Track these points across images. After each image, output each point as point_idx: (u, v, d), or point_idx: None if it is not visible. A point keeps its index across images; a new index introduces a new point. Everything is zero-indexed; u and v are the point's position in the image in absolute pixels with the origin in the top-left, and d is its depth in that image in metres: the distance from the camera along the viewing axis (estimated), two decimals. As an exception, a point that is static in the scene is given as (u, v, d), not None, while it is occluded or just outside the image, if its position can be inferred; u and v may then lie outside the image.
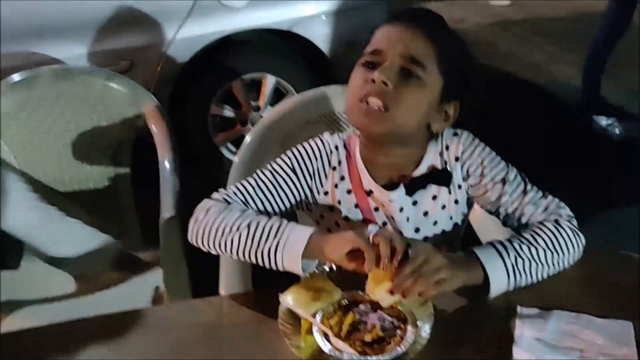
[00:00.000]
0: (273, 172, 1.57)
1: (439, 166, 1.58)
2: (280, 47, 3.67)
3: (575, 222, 1.51)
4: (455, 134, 1.60)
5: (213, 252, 1.50)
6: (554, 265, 1.45)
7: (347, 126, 2.00)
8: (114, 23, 3.24)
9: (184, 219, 1.57)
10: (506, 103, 4.30)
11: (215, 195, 1.54)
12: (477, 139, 1.60)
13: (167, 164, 2.19)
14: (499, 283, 1.39)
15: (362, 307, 1.36)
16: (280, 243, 1.39)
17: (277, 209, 1.56)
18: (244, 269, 1.80)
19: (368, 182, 1.58)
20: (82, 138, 2.30)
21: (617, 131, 4.22)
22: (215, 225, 1.45)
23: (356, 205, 1.60)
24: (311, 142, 1.62)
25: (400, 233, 1.57)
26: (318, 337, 1.29)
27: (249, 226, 1.43)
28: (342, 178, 1.60)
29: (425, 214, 1.60)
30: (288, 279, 1.43)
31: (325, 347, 1.27)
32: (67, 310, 2.01)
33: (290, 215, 1.58)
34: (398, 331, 1.30)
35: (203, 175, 3.60)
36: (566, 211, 1.53)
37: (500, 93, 4.36)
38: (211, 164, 3.75)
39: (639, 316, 1.36)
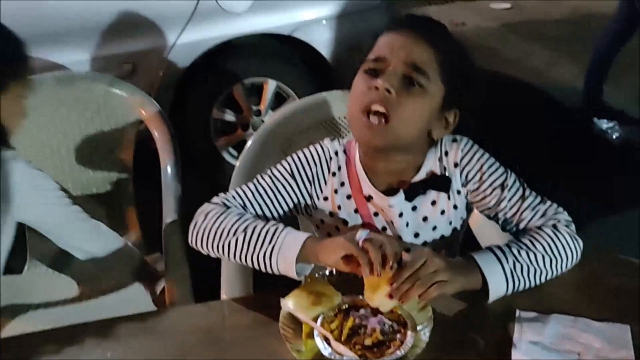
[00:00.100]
0: (272, 177, 1.59)
1: (438, 172, 1.59)
2: (281, 52, 3.68)
3: (573, 227, 1.52)
4: (455, 140, 1.61)
5: (212, 255, 1.52)
6: (552, 269, 1.46)
7: (347, 131, 2.01)
8: (116, 28, 3.25)
9: (186, 223, 1.58)
10: (506, 106, 4.31)
11: (214, 199, 1.56)
12: (476, 145, 1.61)
13: (169, 169, 2.20)
14: (497, 288, 1.40)
15: (362, 311, 1.37)
16: (275, 248, 1.40)
17: (276, 214, 1.58)
18: (245, 273, 1.81)
19: (368, 188, 1.59)
20: (85, 143, 2.30)
21: (616, 135, 4.22)
22: (214, 229, 1.47)
23: (356, 211, 1.61)
24: (311, 148, 1.63)
25: (400, 238, 1.59)
26: (319, 341, 1.30)
27: (245, 230, 1.44)
28: (342, 184, 1.61)
29: (425, 219, 1.61)
30: (289, 284, 1.44)
31: (326, 350, 1.28)
32: (70, 315, 2.02)
33: (290, 219, 1.59)
34: (398, 335, 1.31)
35: (204, 179, 3.60)
36: (564, 216, 1.54)
37: (500, 96, 4.38)
38: (213, 168, 3.76)
39: (637, 320, 1.37)
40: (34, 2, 3.03)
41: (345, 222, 1.62)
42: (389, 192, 1.59)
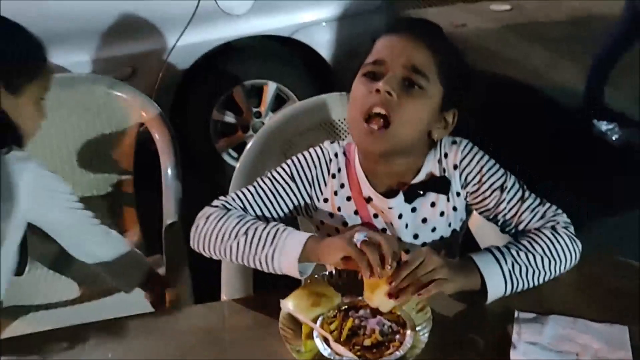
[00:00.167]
0: (272, 180, 1.60)
1: (438, 174, 1.60)
2: (282, 54, 3.68)
3: (572, 229, 1.53)
4: (454, 142, 1.61)
5: (215, 257, 1.53)
6: (550, 270, 1.47)
7: (346, 133, 2.02)
8: (116, 30, 3.26)
9: (186, 225, 1.59)
10: (506, 107, 4.33)
11: (215, 202, 1.57)
12: (475, 147, 1.61)
13: (169, 171, 2.20)
14: (496, 288, 1.41)
15: (361, 312, 1.37)
16: (278, 249, 1.41)
17: (276, 216, 1.59)
18: (245, 274, 1.82)
19: (367, 190, 1.60)
20: (85, 145, 2.31)
21: (616, 136, 4.22)
22: (215, 232, 1.48)
23: (355, 212, 1.61)
24: (310, 150, 1.64)
25: (399, 239, 1.59)
26: (318, 342, 1.31)
27: (247, 232, 1.45)
28: (342, 185, 1.62)
29: (424, 220, 1.61)
30: (289, 285, 1.45)
31: (325, 351, 1.28)
32: (71, 316, 2.03)
33: (290, 220, 1.59)
34: (397, 336, 1.32)
35: (205, 181, 3.61)
36: (563, 218, 1.55)
37: (500, 97, 4.40)
38: (213, 169, 3.76)
39: (635, 321, 1.37)
40: (33, 3, 3.03)
41: (345, 224, 1.62)
42: (389, 193, 1.59)
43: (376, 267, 1.30)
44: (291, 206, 1.61)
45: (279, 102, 3.74)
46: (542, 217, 1.54)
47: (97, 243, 1.83)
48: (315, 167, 1.62)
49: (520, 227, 1.56)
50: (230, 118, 3.74)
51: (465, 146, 1.60)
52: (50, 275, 2.22)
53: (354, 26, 3.60)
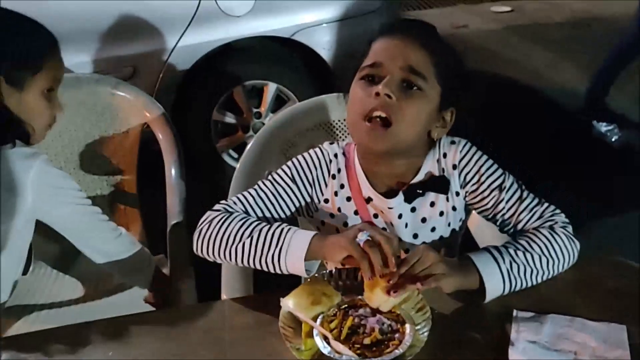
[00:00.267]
0: (273, 182, 1.60)
1: (437, 173, 1.61)
2: (282, 55, 3.69)
3: (570, 229, 1.54)
4: (453, 142, 1.62)
5: (219, 261, 1.54)
6: (548, 270, 1.48)
7: (346, 134, 2.03)
8: (117, 30, 3.27)
9: (188, 225, 1.59)
10: (506, 107, 4.33)
11: (216, 206, 1.57)
12: (474, 147, 1.62)
13: (173, 171, 2.20)
14: (494, 287, 1.42)
15: (361, 310, 1.38)
16: (283, 249, 1.42)
17: (277, 218, 1.59)
18: (245, 273, 1.82)
19: (367, 190, 1.61)
20: (89, 145, 2.31)
21: (615, 138, 4.22)
22: (219, 236, 1.49)
23: (356, 212, 1.62)
24: (310, 151, 1.65)
25: (399, 239, 1.60)
26: (318, 340, 1.31)
27: (251, 235, 1.46)
28: (342, 186, 1.63)
29: (424, 220, 1.62)
30: (289, 284, 1.46)
31: (325, 349, 1.29)
32: (75, 315, 2.03)
33: (291, 221, 1.60)
34: (397, 334, 1.33)
35: (205, 181, 3.61)
36: (561, 217, 1.55)
37: (500, 97, 4.40)
38: (213, 169, 3.77)
39: (634, 321, 1.38)
40: (34, 3, 3.03)
41: (345, 224, 1.63)
42: (388, 193, 1.60)
43: (377, 269, 1.31)
44: (292, 207, 1.61)
45: (279, 102, 3.75)
46: (540, 216, 1.55)
47: (107, 239, 1.82)
48: (316, 168, 1.63)
49: (519, 226, 1.57)
50: (230, 118, 3.75)
51: (464, 146, 1.61)
52: (54, 275, 2.23)
53: (353, 27, 3.61)
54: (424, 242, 1.63)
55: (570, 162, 3.87)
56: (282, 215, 1.60)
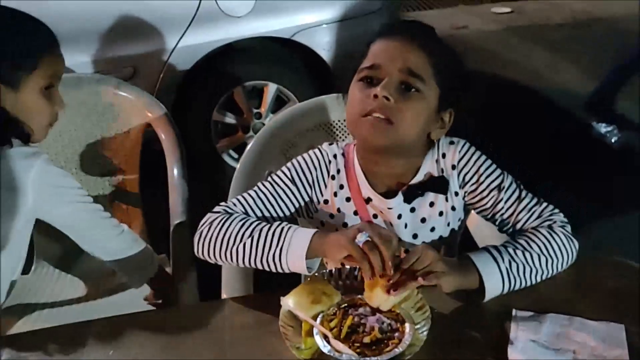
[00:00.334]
0: (273, 183, 1.61)
1: (436, 174, 1.61)
2: (282, 55, 3.69)
3: (569, 228, 1.54)
4: (452, 143, 1.63)
5: (220, 263, 1.55)
6: (547, 269, 1.48)
7: (345, 134, 2.03)
8: (117, 31, 3.27)
9: (190, 226, 1.59)
10: (506, 108, 4.34)
11: (216, 208, 1.58)
12: (473, 147, 1.63)
13: (175, 171, 2.20)
14: (494, 287, 1.43)
15: (361, 309, 1.39)
16: (284, 248, 1.43)
17: (277, 219, 1.59)
18: (245, 273, 1.83)
19: (367, 190, 1.61)
20: (91, 145, 2.31)
21: (615, 139, 4.22)
22: (220, 237, 1.49)
23: (355, 213, 1.63)
24: (310, 153, 1.65)
25: (399, 239, 1.60)
26: (318, 339, 1.32)
27: (252, 235, 1.46)
28: (341, 186, 1.63)
29: (423, 220, 1.62)
30: (289, 283, 1.46)
31: (325, 348, 1.30)
32: (77, 314, 2.03)
33: (291, 222, 1.60)
34: (396, 333, 1.33)
35: (205, 181, 3.62)
36: (560, 217, 1.56)
37: (500, 98, 4.41)
38: (213, 170, 3.77)
39: (633, 321, 1.38)
40: (34, 3, 3.03)
41: (345, 224, 1.63)
42: (388, 194, 1.61)
43: (377, 270, 1.31)
44: (292, 208, 1.62)
45: (279, 103, 3.75)
46: (539, 216, 1.56)
47: (109, 237, 1.82)
48: (315, 168, 1.63)
49: (518, 226, 1.57)
50: (230, 119, 3.75)
51: (462, 146, 1.62)
52: (56, 274, 2.23)
53: (354, 28, 3.61)
54: (423, 242, 1.63)
55: (570, 163, 3.87)
56: (282, 216, 1.60)
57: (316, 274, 1.49)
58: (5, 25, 1.61)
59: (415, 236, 1.64)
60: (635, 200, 3.41)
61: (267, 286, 1.62)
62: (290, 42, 3.61)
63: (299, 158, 1.65)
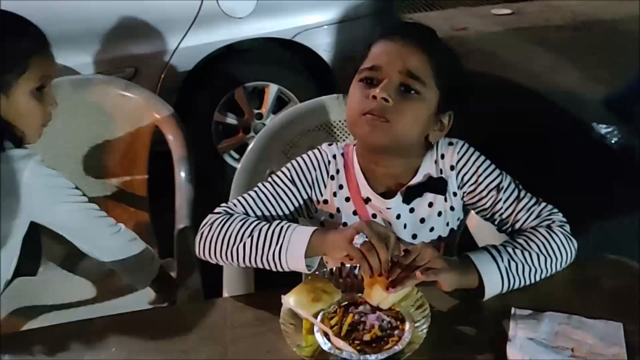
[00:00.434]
0: (273, 184, 1.62)
1: (435, 174, 1.62)
2: (283, 56, 3.70)
3: (567, 227, 1.55)
4: (451, 144, 1.63)
5: (221, 263, 1.56)
6: (546, 268, 1.49)
7: (346, 134, 2.04)
8: (119, 32, 3.27)
9: (195, 227, 1.60)
10: (506, 109, 4.33)
11: (217, 209, 1.59)
12: (471, 148, 1.63)
13: (182, 174, 2.21)
14: (493, 286, 1.43)
15: (361, 307, 1.39)
16: (283, 247, 1.44)
17: (277, 219, 1.59)
18: (246, 272, 1.84)
19: (366, 190, 1.62)
20: (99, 147, 2.31)
21: (615, 140, 4.23)
22: (220, 238, 1.50)
23: (354, 213, 1.63)
24: (309, 153, 1.66)
25: (399, 239, 1.61)
26: (319, 337, 1.33)
27: (251, 234, 1.47)
28: (341, 186, 1.64)
29: (422, 220, 1.63)
30: (290, 282, 1.47)
31: (326, 345, 1.31)
32: (84, 317, 2.02)
33: (291, 221, 1.61)
34: (396, 331, 1.34)
35: (206, 182, 3.61)
36: (559, 217, 1.57)
37: (500, 100, 4.41)
38: (214, 170, 3.77)
39: (631, 321, 1.39)
40: (36, 4, 3.04)
41: (345, 224, 1.64)
42: (387, 194, 1.62)
43: (376, 269, 1.33)
44: (292, 208, 1.63)
45: (280, 103, 3.76)
46: (537, 216, 1.57)
47: (105, 235, 1.81)
48: (315, 169, 1.64)
49: (517, 226, 1.58)
50: (232, 120, 3.75)
51: (461, 147, 1.62)
52: (63, 275, 2.21)
53: (354, 29, 3.62)
54: (422, 242, 1.64)
55: (570, 163, 3.88)
56: (282, 216, 1.61)
57: (317, 273, 1.50)
58: None
59: (414, 236, 1.65)
60: (635, 200, 3.42)
61: (268, 284, 1.63)
62: (291, 43, 3.62)
63: (299, 158, 1.66)
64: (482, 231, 1.83)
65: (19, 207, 1.63)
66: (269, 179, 1.64)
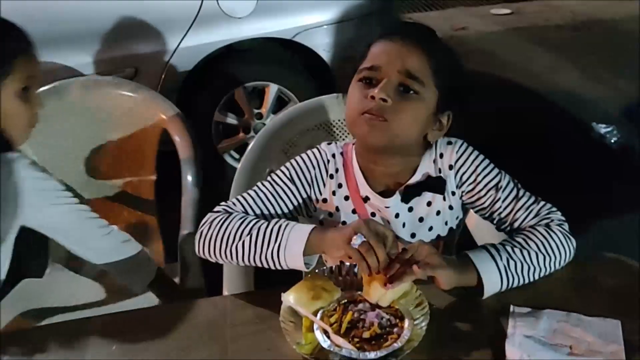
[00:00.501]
0: (272, 183, 1.62)
1: (433, 174, 1.62)
2: (283, 56, 3.71)
3: (566, 226, 1.56)
4: (449, 143, 1.64)
5: (221, 262, 1.56)
6: (545, 267, 1.50)
7: (345, 134, 2.05)
8: (119, 32, 3.28)
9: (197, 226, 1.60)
10: (506, 109, 4.34)
11: (217, 208, 1.59)
12: (470, 147, 1.64)
13: (189, 178, 2.21)
14: (492, 284, 1.44)
15: (360, 305, 1.40)
16: (282, 245, 1.44)
17: (276, 217, 1.60)
18: (246, 270, 1.85)
19: (365, 189, 1.63)
20: (107, 149, 2.31)
21: (614, 139, 4.23)
22: (219, 236, 1.51)
23: (354, 211, 1.64)
24: (309, 152, 1.67)
25: (397, 238, 1.61)
26: (318, 334, 1.33)
27: (250, 233, 1.48)
28: (340, 185, 1.65)
29: (421, 219, 1.64)
30: (290, 280, 1.48)
31: (325, 343, 1.31)
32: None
33: (291, 220, 1.62)
34: (395, 329, 1.35)
35: (206, 182, 3.62)
36: (557, 215, 1.57)
37: (500, 100, 4.41)
38: (214, 170, 3.77)
39: (630, 320, 1.39)
40: (36, 4, 3.05)
41: (344, 223, 1.65)
42: (386, 193, 1.62)
43: (374, 268, 1.33)
44: (291, 207, 1.63)
45: (280, 103, 3.76)
46: (536, 214, 1.57)
47: (97, 237, 1.79)
48: (314, 167, 1.65)
49: (515, 225, 1.59)
50: (232, 119, 3.76)
51: (460, 146, 1.63)
52: (70, 277, 2.21)
53: (354, 29, 3.63)
54: (420, 240, 1.64)
55: (570, 163, 3.88)
56: (282, 215, 1.62)
57: (316, 271, 1.51)
58: None
59: (413, 235, 1.65)
60: (635, 200, 3.42)
61: (268, 282, 1.63)
62: (291, 43, 3.62)
63: (298, 158, 1.67)
64: (481, 230, 1.84)
65: (8, 211, 1.62)
66: (269, 178, 1.64)
